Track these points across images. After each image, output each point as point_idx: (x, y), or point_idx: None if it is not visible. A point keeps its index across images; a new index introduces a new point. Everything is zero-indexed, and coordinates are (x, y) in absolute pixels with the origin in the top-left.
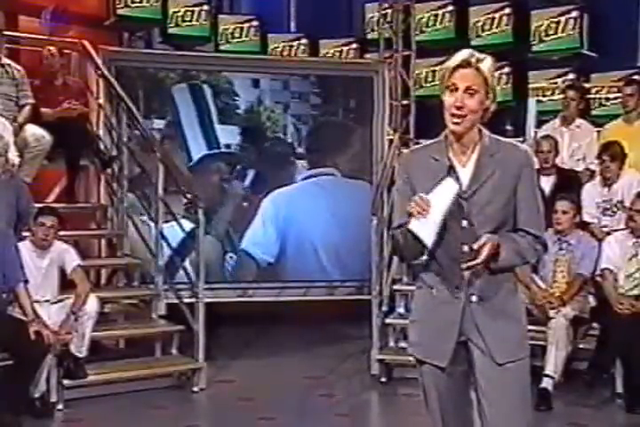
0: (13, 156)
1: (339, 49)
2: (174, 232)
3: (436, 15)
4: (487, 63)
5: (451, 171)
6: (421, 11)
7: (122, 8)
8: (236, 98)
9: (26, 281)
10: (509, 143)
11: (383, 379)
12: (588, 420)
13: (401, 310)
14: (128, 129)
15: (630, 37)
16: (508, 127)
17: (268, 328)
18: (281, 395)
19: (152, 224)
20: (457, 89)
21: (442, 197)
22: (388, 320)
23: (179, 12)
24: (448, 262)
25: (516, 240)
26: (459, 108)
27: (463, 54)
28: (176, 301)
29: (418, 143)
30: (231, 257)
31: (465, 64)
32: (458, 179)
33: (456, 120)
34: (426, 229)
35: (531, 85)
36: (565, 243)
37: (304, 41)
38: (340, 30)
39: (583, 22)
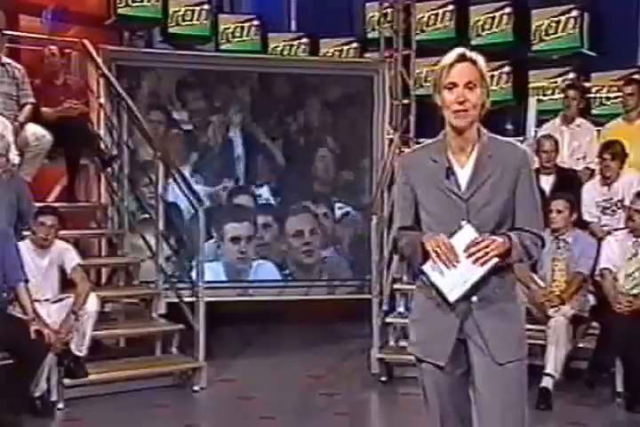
0: (14, 155)
1: (339, 48)
2: None
3: (437, 14)
4: (481, 58)
5: (449, 172)
6: (422, 10)
7: (122, 7)
8: None
9: (26, 280)
10: (508, 142)
11: (383, 378)
12: (587, 419)
13: (401, 309)
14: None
15: (630, 37)
16: (509, 126)
17: (268, 327)
18: (281, 394)
19: None
20: (456, 86)
21: (461, 244)
22: (388, 319)
23: (179, 11)
24: None
25: (521, 237)
26: (461, 102)
27: (457, 50)
28: (176, 300)
29: (418, 142)
30: None
31: (461, 58)
32: (456, 181)
33: (460, 114)
34: (447, 282)
35: (531, 85)
36: (563, 242)
37: (304, 40)
38: (341, 29)
39: (583, 21)
